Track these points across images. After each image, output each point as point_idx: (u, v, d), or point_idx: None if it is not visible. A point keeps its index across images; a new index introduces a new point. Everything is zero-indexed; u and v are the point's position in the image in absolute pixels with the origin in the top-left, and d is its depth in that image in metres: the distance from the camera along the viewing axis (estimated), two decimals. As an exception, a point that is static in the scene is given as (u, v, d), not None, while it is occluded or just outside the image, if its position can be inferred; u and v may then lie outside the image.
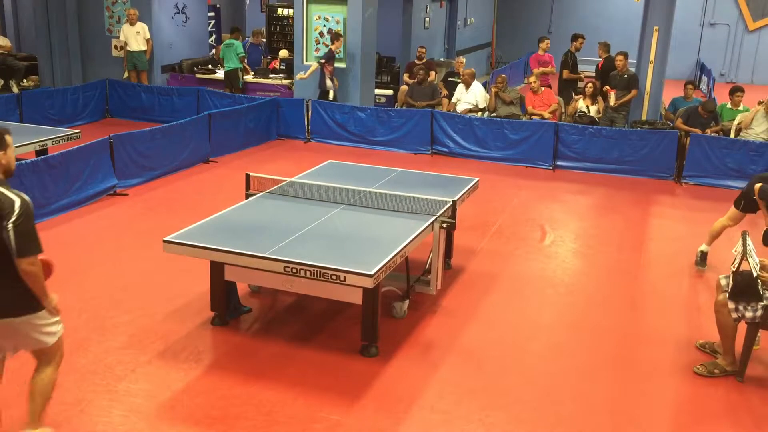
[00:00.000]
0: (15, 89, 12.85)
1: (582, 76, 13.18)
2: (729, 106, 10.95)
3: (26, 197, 3.49)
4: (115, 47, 13.63)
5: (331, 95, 11.62)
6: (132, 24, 12.85)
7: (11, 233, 3.38)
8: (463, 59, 13.65)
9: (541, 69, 12.66)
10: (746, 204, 6.40)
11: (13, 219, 3.38)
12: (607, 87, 11.42)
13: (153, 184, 8.87)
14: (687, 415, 4.59)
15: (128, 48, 12.92)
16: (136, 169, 8.76)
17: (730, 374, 4.91)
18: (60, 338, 3.76)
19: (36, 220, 3.50)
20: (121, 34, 13.01)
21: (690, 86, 11.67)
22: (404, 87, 12.77)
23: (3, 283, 3.49)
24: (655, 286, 6.53)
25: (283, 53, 14.10)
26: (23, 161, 7.43)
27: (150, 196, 8.45)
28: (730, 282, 4.79)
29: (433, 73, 12.93)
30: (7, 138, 3.61)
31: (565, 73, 12.68)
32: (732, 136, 10.28)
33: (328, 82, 11.59)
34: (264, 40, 14.76)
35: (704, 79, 18.57)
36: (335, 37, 11.55)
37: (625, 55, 11.39)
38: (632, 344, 5.41)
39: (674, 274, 6.79)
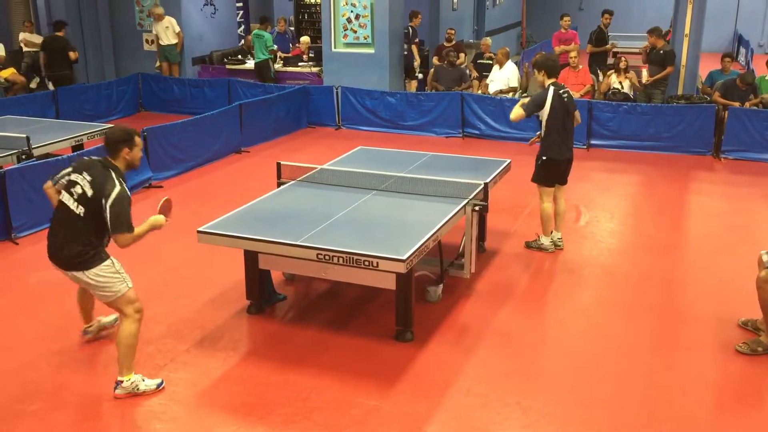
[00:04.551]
0: (50, 86, 13.07)
1: (612, 45, 12.95)
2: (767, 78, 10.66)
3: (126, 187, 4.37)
4: (147, 41, 13.79)
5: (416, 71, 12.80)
6: (158, 21, 12.98)
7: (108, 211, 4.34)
8: (488, 40, 13.48)
9: (562, 47, 12.43)
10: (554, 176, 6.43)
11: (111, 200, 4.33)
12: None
13: (187, 176, 8.97)
14: (729, 394, 4.51)
15: (160, 42, 13.06)
16: (169, 162, 8.87)
17: (774, 352, 4.82)
18: (122, 297, 4.41)
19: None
20: (153, 28, 13.17)
21: (727, 59, 11.37)
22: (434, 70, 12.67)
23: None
24: (695, 263, 6.41)
25: (305, 40, 14.07)
26: (60, 157, 7.57)
27: (184, 187, 8.55)
28: (772, 258, 4.69)
29: (462, 55, 12.80)
30: (136, 138, 4.40)
31: (588, 48, 12.48)
32: (772, 108, 10.02)
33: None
34: (292, 28, 14.72)
35: (742, 51, 18.10)
36: (413, 14, 12.57)
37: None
38: (672, 323, 5.32)
39: (714, 250, 6.65)
